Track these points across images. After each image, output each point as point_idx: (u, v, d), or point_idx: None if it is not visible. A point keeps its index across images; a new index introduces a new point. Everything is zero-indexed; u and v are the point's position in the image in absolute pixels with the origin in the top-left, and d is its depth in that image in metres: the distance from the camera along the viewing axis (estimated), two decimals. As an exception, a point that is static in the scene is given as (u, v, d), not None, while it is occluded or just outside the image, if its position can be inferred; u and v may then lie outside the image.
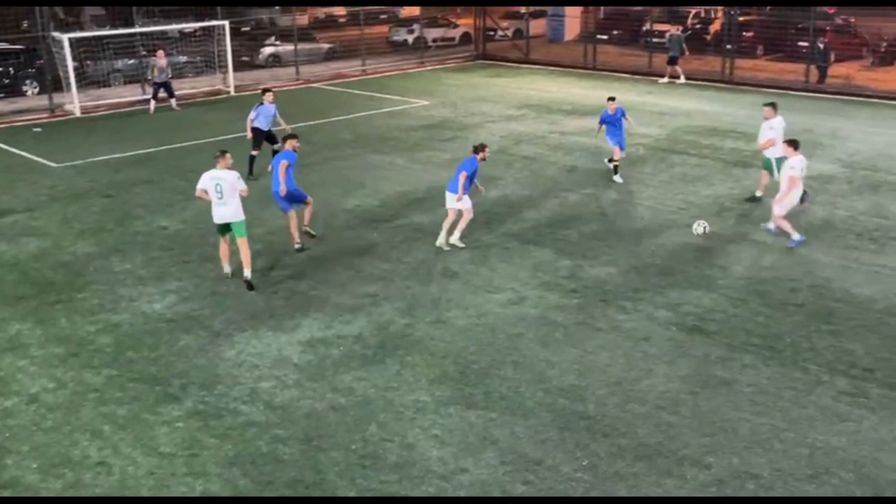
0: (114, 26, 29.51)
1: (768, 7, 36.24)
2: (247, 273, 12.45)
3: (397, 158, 19.65)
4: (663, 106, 25.27)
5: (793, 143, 13.82)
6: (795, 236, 13.77)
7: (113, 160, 19.80)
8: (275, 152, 15.99)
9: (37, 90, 27.66)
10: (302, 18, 37.23)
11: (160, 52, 25.33)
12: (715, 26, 35.22)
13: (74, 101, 25.26)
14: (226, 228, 12.39)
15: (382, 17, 41.59)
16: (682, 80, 29.42)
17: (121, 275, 13.10)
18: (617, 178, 17.48)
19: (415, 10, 38.69)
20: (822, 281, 12.52)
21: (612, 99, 17.41)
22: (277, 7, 39.78)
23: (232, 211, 12.21)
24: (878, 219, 15.06)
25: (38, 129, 23.61)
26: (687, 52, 29.79)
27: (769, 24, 32.04)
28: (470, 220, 13.89)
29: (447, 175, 17.01)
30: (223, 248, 12.71)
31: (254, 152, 17.98)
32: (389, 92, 28.46)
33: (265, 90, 18.18)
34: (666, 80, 29.59)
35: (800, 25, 30.00)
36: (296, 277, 12.89)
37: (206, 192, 12.26)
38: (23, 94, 27.60)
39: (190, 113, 25.09)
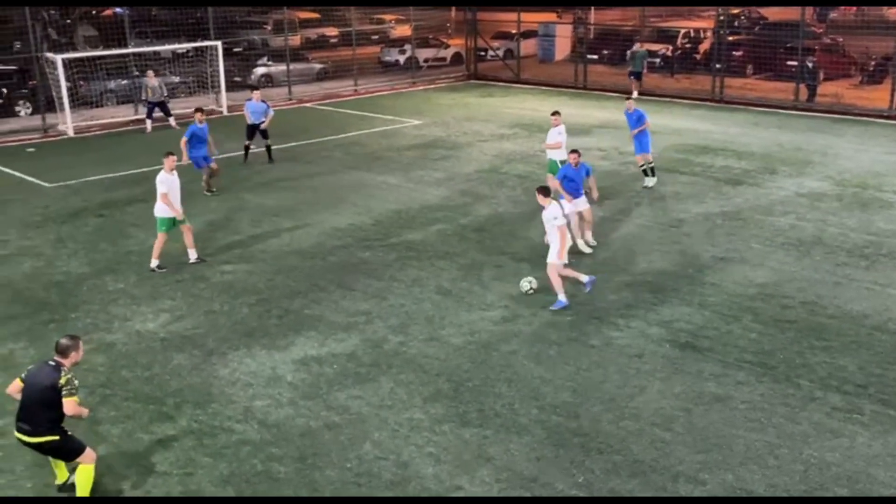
0: (107, 47, 29.56)
1: (756, 27, 36.65)
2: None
3: (390, 177, 19.72)
4: (654, 125, 25.23)
5: (543, 191, 12.25)
6: (562, 298, 12.26)
7: (106, 180, 19.82)
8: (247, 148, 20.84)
9: (30, 111, 27.67)
10: (294, 39, 37.37)
11: (150, 73, 25.45)
12: (704, 46, 35.51)
13: (67, 122, 25.29)
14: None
15: (374, 37, 41.81)
16: (635, 94, 29.81)
17: (114, 294, 13.09)
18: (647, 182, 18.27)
19: (406, 31, 38.90)
20: (814, 297, 12.59)
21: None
22: (269, 28, 39.97)
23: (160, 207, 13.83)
24: (869, 235, 15.17)
25: (32, 150, 23.63)
26: (646, 69, 30.54)
27: (758, 44, 32.33)
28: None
29: (439, 193, 17.12)
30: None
31: (248, 142, 20.82)
32: (381, 111, 28.58)
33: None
34: (636, 96, 30.09)
35: (789, 45, 30.27)
36: (289, 296, 12.90)
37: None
38: (16, 114, 27.60)
39: (183, 132, 25.07)
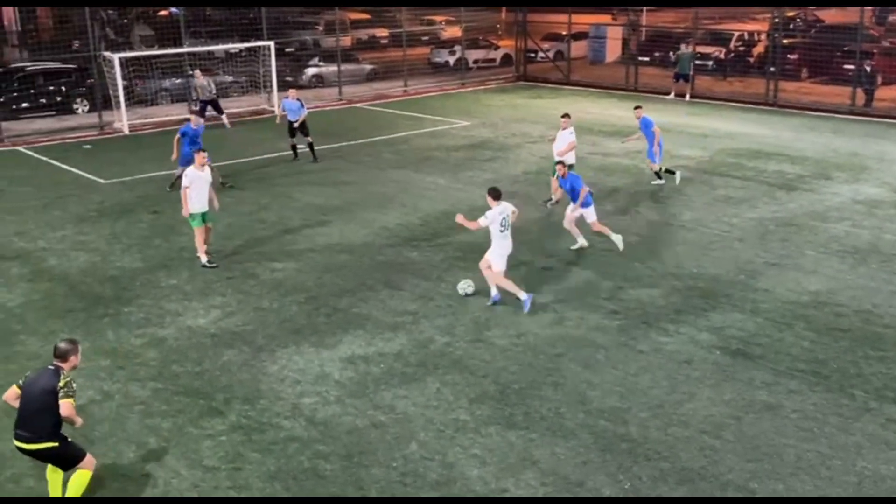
0: (162, 46, 30.09)
1: (813, 30, 35.97)
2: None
3: (438, 178, 19.76)
4: (706, 128, 25.12)
5: (492, 192, 12.31)
6: (522, 295, 12.24)
7: (159, 177, 20.14)
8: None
9: (87, 108, 28.29)
10: (345, 40, 37.66)
11: (197, 72, 25.86)
12: (758, 48, 34.98)
13: (123, 119, 25.79)
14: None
15: (424, 38, 41.94)
16: (673, 95, 30.43)
17: (167, 290, 13.31)
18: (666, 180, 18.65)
19: (457, 32, 38.96)
20: (870, 306, 12.32)
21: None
22: (321, 28, 40.32)
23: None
24: (927, 244, 14.81)
25: (88, 146, 24.15)
26: (692, 72, 30.51)
27: (814, 47, 31.75)
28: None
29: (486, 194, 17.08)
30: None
31: (292, 140, 21.24)
32: (430, 112, 28.64)
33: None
34: (672, 97, 30.56)
35: (846, 48, 29.67)
36: (337, 295, 13.00)
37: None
38: (74, 112, 28.25)
39: (235, 132, 25.46)
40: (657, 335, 11.52)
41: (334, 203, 17.76)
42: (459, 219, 12.40)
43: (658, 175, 18.72)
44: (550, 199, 17.36)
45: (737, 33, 36.46)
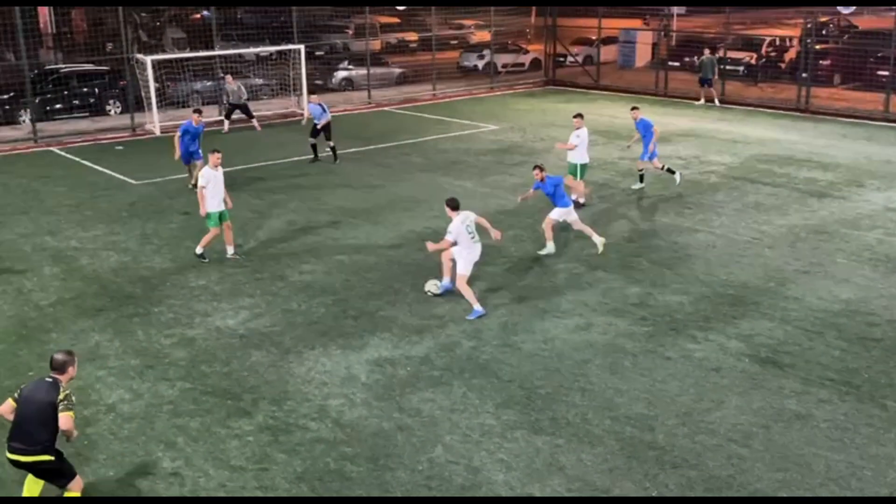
0: (193, 49, 30.38)
1: (846, 36, 35.57)
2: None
3: (466, 182, 19.77)
4: (736, 134, 24.93)
5: (450, 203, 12.36)
6: (477, 307, 12.24)
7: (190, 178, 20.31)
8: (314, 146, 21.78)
9: (119, 110, 28.63)
10: (375, 43, 37.81)
11: (228, 77, 26.11)
12: (790, 54, 34.66)
13: (155, 121, 26.05)
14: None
15: (453, 42, 42.00)
16: (717, 102, 30.22)
17: (196, 290, 13.42)
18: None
19: (485, 36, 38.97)
20: (902, 316, 12.16)
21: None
22: (351, 32, 40.52)
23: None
24: (962, 253, 14.58)
25: (120, 147, 24.45)
26: (717, 76, 30.34)
27: (847, 53, 31.39)
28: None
29: (515, 199, 17.07)
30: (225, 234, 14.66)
31: (312, 139, 21.66)
32: (459, 116, 28.67)
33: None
34: (702, 102, 30.26)
35: (880, 54, 29.31)
36: (364, 297, 13.04)
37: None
38: (106, 113, 28.61)
39: (264, 134, 25.63)
40: (685, 342, 11.44)
41: (363, 206, 17.83)
42: (430, 246, 12.57)
43: (641, 178, 19.00)
44: (580, 202, 17.35)
45: (768, 38, 36.16)
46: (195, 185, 18.82)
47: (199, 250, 14.61)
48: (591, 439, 9.21)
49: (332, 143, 21.52)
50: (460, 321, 12.13)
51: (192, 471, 8.75)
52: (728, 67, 31.83)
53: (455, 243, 12.21)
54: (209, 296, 13.20)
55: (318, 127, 21.40)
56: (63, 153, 23.77)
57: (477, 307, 12.28)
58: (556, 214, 14.58)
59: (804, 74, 29.38)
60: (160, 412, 9.87)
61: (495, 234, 12.84)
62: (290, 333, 11.85)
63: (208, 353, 11.29)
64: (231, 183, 19.65)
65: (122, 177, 20.72)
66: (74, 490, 7.90)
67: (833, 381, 10.35)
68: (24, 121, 26.71)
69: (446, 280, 12.84)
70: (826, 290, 13.09)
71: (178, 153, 18.65)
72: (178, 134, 18.70)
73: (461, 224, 12.18)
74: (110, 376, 10.71)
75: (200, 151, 18.71)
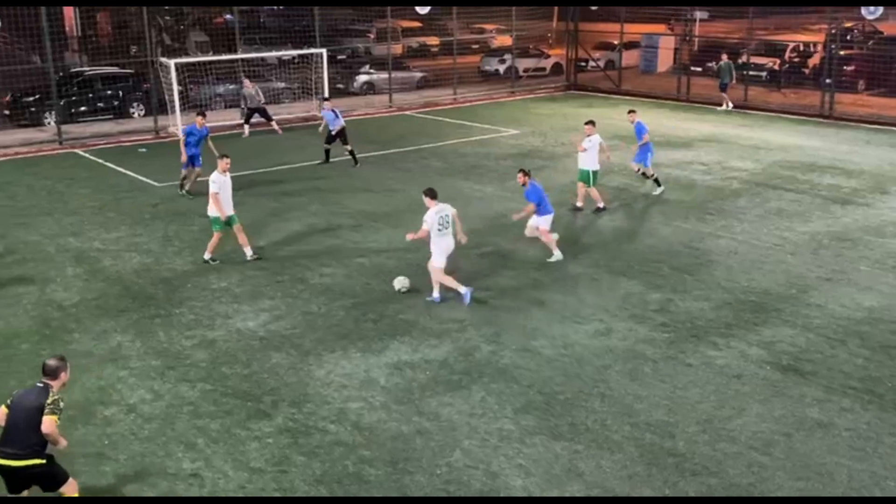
0: (216, 52, 30.58)
1: (871, 41, 35.25)
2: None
3: (486, 186, 19.76)
4: (758, 140, 24.78)
5: (429, 193, 12.87)
6: (436, 294, 12.93)
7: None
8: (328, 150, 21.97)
9: (143, 112, 28.89)
10: (396, 48, 37.92)
11: (246, 81, 26.28)
12: (814, 60, 34.41)
13: (178, 124, 26.17)
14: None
15: (474, 46, 42.05)
16: (730, 107, 30.21)
17: (217, 292, 13.50)
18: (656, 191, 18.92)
19: (507, 40, 38.99)
20: (927, 324, 12.03)
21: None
22: (372, 36, 40.67)
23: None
24: None
25: (144, 150, 24.64)
26: (734, 80, 30.33)
27: (872, 59, 31.13)
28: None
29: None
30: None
31: (327, 145, 21.90)
32: (479, 120, 28.66)
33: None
34: (724, 107, 30.24)
35: (905, 60, 29.08)
36: (384, 301, 13.06)
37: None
38: (130, 116, 28.86)
39: (285, 138, 25.75)
40: (706, 349, 11.37)
41: (383, 209, 17.86)
42: (409, 235, 13.06)
43: (646, 175, 19.07)
44: (599, 207, 17.33)
45: (791, 44, 35.94)
46: (187, 193, 18.99)
47: (206, 256, 14.71)
48: (611, 445, 9.17)
49: (349, 147, 21.63)
50: (480, 325, 12.13)
51: (211, 472, 8.79)
52: (751, 73, 31.65)
53: (427, 232, 12.63)
54: (230, 298, 13.27)
55: (333, 133, 21.58)
56: (87, 155, 24.00)
57: (436, 294, 12.87)
58: (545, 224, 14.69)
59: (828, 80, 29.16)
60: (181, 413, 9.93)
61: (461, 235, 13.18)
62: (310, 336, 11.88)
63: (229, 355, 11.35)
64: (251, 186, 19.84)
65: (144, 179, 20.88)
66: (70, 492, 7.86)
67: (856, 390, 10.26)
68: (48, 123, 27.03)
69: (465, 290, 12.87)
70: (849, 298, 12.97)
71: (184, 156, 18.76)
72: (183, 137, 18.89)
73: (436, 214, 12.59)
74: (131, 377, 10.79)
75: (200, 159, 18.84)
